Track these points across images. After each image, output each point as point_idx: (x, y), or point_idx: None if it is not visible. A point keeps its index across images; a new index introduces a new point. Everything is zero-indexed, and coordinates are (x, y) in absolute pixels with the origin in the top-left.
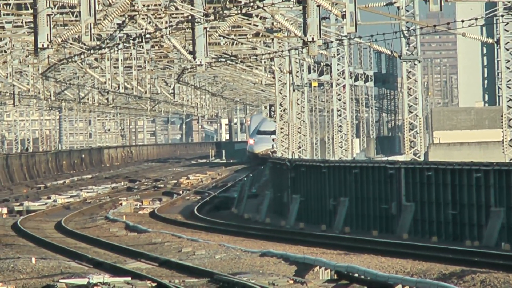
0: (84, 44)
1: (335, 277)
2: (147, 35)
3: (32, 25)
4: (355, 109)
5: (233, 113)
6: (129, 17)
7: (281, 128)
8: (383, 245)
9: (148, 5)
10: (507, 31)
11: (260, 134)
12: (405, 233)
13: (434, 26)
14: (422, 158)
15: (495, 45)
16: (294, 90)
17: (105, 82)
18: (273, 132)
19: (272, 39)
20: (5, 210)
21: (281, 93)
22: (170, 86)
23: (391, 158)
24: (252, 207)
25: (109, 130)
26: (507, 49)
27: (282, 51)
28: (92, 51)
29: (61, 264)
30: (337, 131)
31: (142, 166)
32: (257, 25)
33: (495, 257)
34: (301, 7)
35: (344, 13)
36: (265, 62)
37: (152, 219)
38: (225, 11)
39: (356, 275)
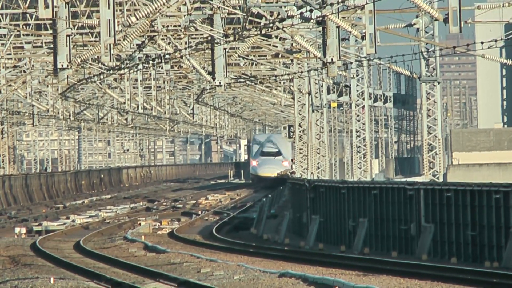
0: (104, 65)
1: None
2: (167, 56)
3: (51, 46)
4: (374, 130)
5: (252, 134)
6: (149, 38)
7: (300, 149)
8: (402, 266)
9: (168, 26)
10: None
11: (263, 155)
12: (424, 254)
13: (454, 47)
14: (441, 179)
15: None
16: (313, 111)
17: (124, 102)
18: (278, 153)
19: (292, 60)
20: (24, 230)
21: (300, 114)
22: (189, 107)
23: (410, 179)
24: (271, 227)
25: (128, 150)
26: None
27: (302, 72)
28: (111, 72)
29: (79, 284)
30: (356, 151)
31: (161, 186)
32: (276, 46)
33: None
34: (320, 28)
35: (364, 34)
36: (284, 82)
37: (171, 239)
38: (244, 32)
39: None
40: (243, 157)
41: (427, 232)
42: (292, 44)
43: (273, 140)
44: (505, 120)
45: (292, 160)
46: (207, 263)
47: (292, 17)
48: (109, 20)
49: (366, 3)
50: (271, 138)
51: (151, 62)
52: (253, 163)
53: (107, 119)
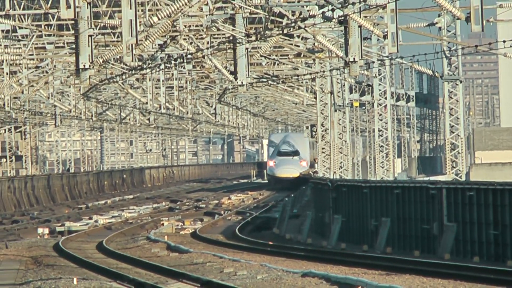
0: (126, 65)
1: None
2: (189, 56)
3: (73, 46)
4: (397, 129)
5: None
6: (171, 38)
7: (323, 148)
8: (424, 266)
9: (190, 26)
10: None
11: (280, 156)
12: (447, 253)
13: (476, 46)
14: (463, 178)
15: None
16: (335, 110)
17: (146, 103)
18: (295, 153)
19: (314, 60)
20: (46, 231)
21: (322, 113)
22: (211, 106)
23: (432, 178)
24: (293, 227)
25: (150, 150)
26: None
27: (324, 71)
28: (133, 72)
29: (102, 284)
30: (379, 151)
31: (183, 186)
32: (298, 46)
33: None
34: (342, 28)
35: (386, 33)
36: (306, 82)
37: (194, 239)
38: (266, 32)
39: None
40: (266, 157)
41: (449, 231)
42: (314, 44)
43: (290, 140)
44: None
45: (314, 160)
46: (230, 263)
47: (314, 16)
48: (131, 20)
49: (388, 2)
50: (288, 137)
51: (173, 62)
52: (270, 163)
53: (129, 119)
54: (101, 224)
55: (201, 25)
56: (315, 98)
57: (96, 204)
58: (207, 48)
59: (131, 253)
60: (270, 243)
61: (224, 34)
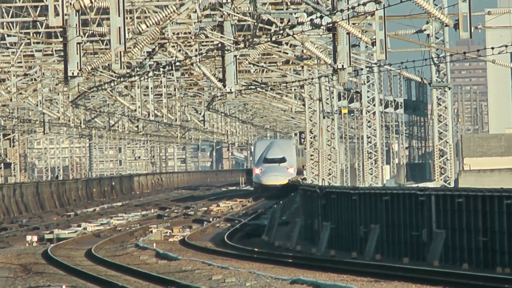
0: (114, 72)
1: None
2: (177, 63)
3: (62, 53)
4: (385, 136)
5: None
6: (159, 45)
7: (311, 155)
8: (414, 272)
9: (178, 33)
10: None
11: (267, 163)
12: (436, 260)
13: (464, 53)
14: (452, 185)
15: None
16: (324, 117)
17: (135, 110)
18: (282, 160)
19: (302, 67)
20: (35, 238)
21: (311, 120)
22: (200, 114)
23: (421, 185)
24: (283, 234)
25: (139, 157)
26: None
27: (312, 78)
28: (122, 79)
29: None
30: (367, 158)
31: (172, 193)
32: (287, 53)
33: None
34: (331, 35)
35: (374, 40)
36: (295, 89)
37: (183, 246)
38: (255, 39)
39: None
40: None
41: (438, 238)
42: (302, 51)
43: (276, 146)
44: None
45: (303, 166)
46: (219, 270)
47: (302, 23)
48: (119, 27)
49: (376, 9)
50: (274, 144)
51: (161, 69)
52: (256, 171)
53: (118, 126)
54: (89, 231)
55: (190, 33)
56: (304, 105)
57: (85, 211)
58: (196, 56)
59: (120, 261)
60: (256, 249)
61: (212, 41)
